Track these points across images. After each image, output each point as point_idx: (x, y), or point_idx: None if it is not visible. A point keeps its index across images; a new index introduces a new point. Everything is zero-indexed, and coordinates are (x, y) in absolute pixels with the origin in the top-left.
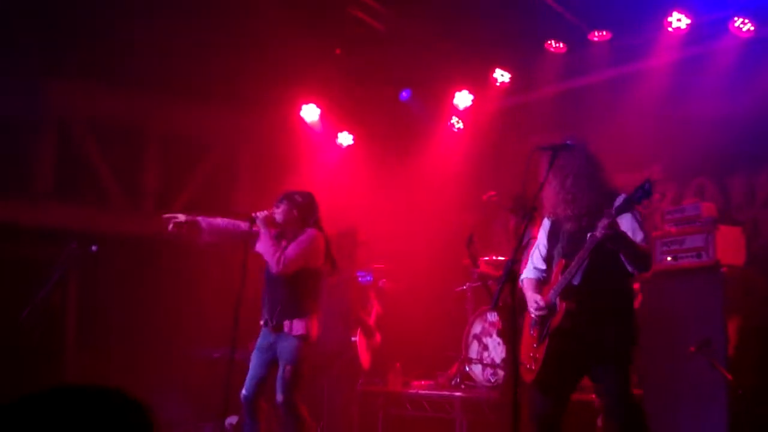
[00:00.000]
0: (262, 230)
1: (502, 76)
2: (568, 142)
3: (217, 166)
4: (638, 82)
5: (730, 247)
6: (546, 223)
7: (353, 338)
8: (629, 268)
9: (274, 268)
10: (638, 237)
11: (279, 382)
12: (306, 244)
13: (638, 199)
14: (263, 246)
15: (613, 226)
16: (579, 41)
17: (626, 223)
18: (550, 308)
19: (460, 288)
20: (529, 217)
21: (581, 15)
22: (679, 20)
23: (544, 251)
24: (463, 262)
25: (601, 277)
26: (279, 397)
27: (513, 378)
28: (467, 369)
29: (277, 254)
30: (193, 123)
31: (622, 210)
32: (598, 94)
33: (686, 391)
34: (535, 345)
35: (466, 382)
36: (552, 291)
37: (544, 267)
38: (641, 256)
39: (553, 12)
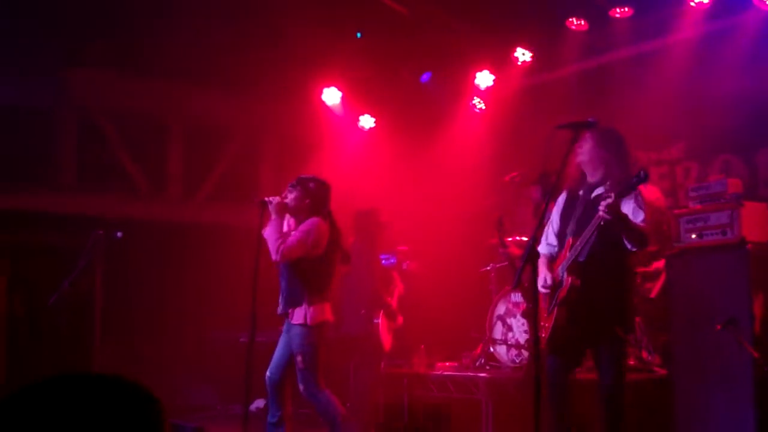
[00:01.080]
0: (273, 216)
1: (523, 55)
2: (590, 119)
3: (241, 152)
4: (661, 59)
5: (755, 223)
6: (560, 201)
7: (375, 320)
8: (628, 246)
9: (273, 256)
10: (638, 218)
11: (297, 374)
12: (306, 233)
13: (635, 185)
14: (269, 232)
15: (614, 210)
16: (600, 18)
17: (628, 205)
18: (557, 282)
19: (484, 269)
20: (550, 196)
21: None
22: None
23: (556, 227)
24: (488, 243)
25: (604, 255)
26: (300, 387)
27: (536, 355)
28: (492, 350)
29: (278, 242)
30: (215, 110)
31: (621, 195)
32: (621, 71)
33: (712, 369)
34: (545, 315)
35: (491, 363)
36: (560, 266)
37: (555, 243)
38: (639, 236)
39: None
